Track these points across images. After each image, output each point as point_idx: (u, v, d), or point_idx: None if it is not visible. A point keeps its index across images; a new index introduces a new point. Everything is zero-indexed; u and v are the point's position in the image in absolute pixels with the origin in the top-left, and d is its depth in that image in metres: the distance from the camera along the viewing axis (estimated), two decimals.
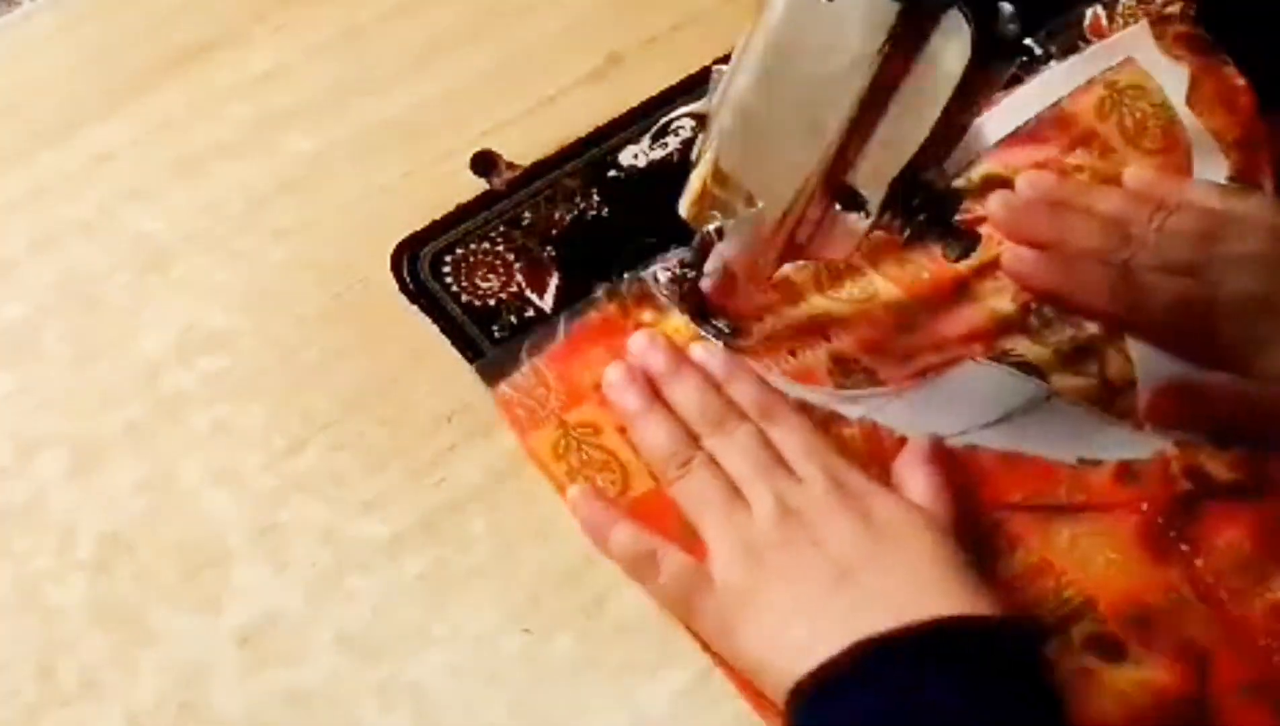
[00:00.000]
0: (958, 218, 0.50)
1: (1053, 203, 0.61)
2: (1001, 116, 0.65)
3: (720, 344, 0.58)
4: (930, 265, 0.61)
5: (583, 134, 0.65)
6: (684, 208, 0.55)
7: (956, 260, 0.50)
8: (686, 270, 0.57)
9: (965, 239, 0.50)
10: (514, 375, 0.58)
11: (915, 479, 0.53)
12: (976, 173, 0.64)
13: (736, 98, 0.48)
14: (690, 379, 0.56)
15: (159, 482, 0.56)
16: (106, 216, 0.63)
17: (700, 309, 0.59)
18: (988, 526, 0.54)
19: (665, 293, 0.59)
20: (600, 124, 0.65)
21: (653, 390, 0.56)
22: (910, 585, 0.49)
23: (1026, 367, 0.58)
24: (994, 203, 0.61)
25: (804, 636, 0.48)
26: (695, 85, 0.65)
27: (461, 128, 0.65)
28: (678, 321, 0.59)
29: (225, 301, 0.60)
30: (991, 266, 0.61)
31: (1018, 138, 0.65)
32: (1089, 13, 0.68)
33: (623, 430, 0.56)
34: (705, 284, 0.58)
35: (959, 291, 0.61)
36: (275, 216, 0.63)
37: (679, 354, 0.57)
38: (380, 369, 0.59)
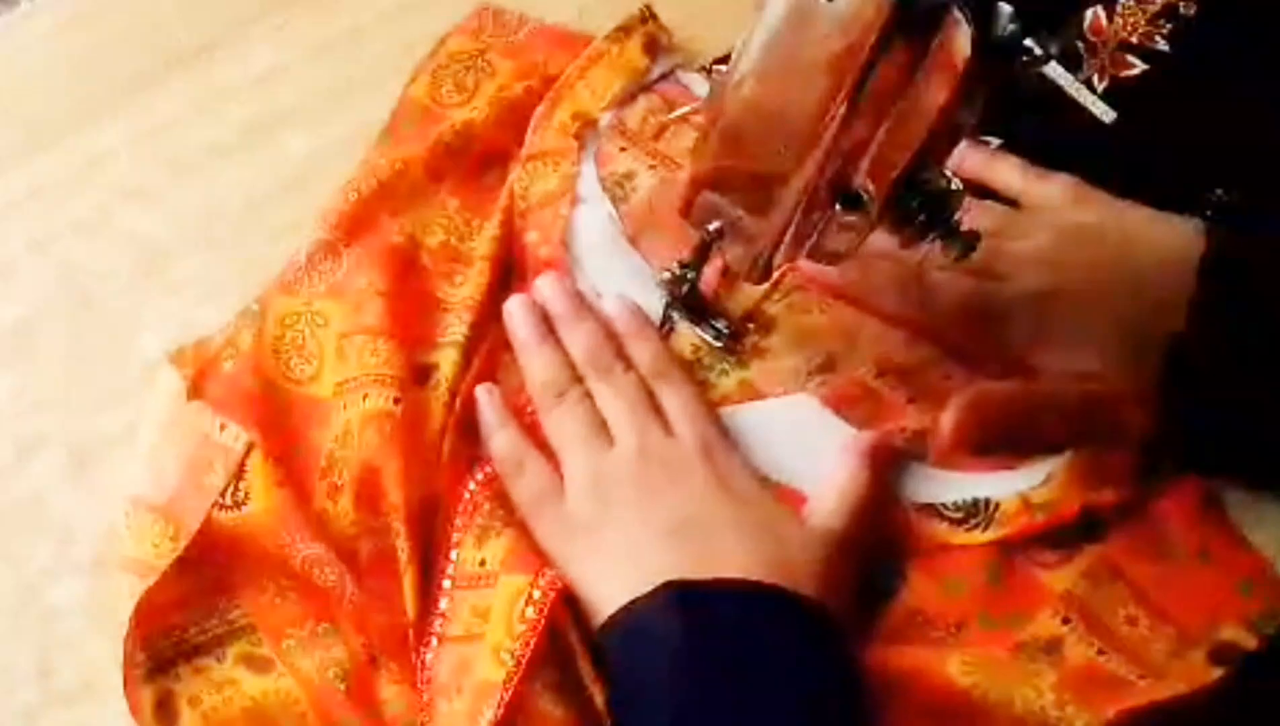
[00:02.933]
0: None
1: None
2: None
3: (635, 302, 0.58)
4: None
5: None
6: (683, 208, 0.55)
7: (956, 260, 0.50)
8: (686, 270, 0.57)
9: (965, 239, 0.50)
10: None
11: (840, 472, 0.53)
12: None
13: (736, 97, 0.48)
14: (588, 325, 0.57)
15: None
16: (105, 217, 0.63)
17: (700, 309, 0.59)
18: None
19: (664, 295, 0.59)
20: None
21: (549, 328, 0.57)
22: (747, 552, 0.49)
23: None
24: None
25: (627, 576, 0.49)
26: None
27: None
28: None
29: (224, 301, 0.60)
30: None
31: None
32: (1089, 13, 0.68)
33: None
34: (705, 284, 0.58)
35: None
36: (275, 216, 0.63)
37: (583, 302, 0.58)
38: None
